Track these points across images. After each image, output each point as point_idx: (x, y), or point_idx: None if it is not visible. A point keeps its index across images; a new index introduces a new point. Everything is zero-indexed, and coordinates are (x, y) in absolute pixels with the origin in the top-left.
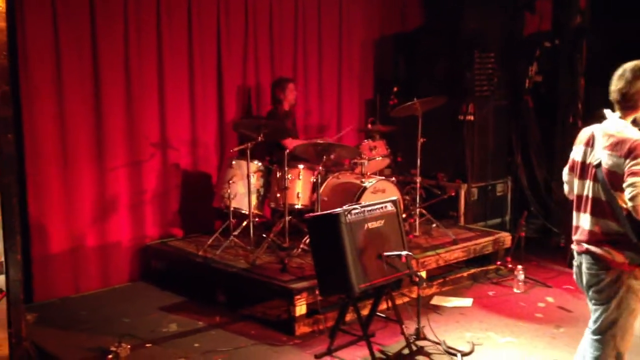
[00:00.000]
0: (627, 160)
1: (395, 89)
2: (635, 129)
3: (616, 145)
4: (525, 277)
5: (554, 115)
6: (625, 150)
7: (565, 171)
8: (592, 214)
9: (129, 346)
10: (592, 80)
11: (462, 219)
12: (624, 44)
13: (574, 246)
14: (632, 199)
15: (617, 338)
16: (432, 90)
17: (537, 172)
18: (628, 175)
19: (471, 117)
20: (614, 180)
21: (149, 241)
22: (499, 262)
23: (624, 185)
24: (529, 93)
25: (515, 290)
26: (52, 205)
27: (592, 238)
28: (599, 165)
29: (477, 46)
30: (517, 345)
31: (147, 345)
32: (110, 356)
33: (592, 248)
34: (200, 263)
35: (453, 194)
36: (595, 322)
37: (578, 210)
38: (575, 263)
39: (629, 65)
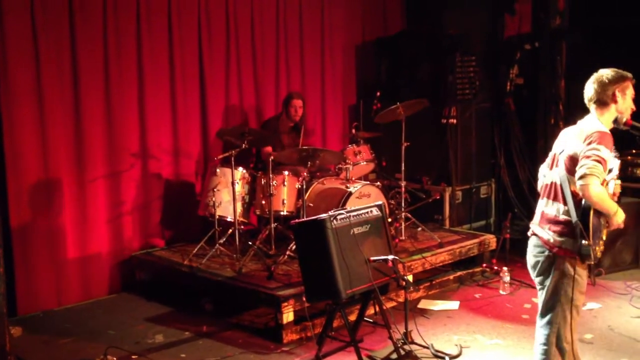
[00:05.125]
0: (584, 145)
1: (378, 93)
2: (600, 122)
3: (580, 133)
4: (511, 278)
5: (536, 116)
6: (584, 137)
7: (542, 166)
8: (547, 196)
9: (114, 358)
10: (572, 81)
11: (447, 222)
12: (603, 43)
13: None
14: (580, 177)
15: (556, 325)
16: (415, 94)
17: (520, 174)
18: (582, 158)
19: (454, 121)
20: (572, 164)
21: (133, 252)
22: (484, 265)
23: (577, 167)
24: (511, 95)
25: (501, 292)
26: (34, 218)
27: (542, 220)
28: (562, 152)
29: (458, 49)
30: (504, 347)
31: (133, 357)
32: None
33: (537, 230)
34: (186, 272)
35: (438, 197)
36: (539, 305)
37: (540, 196)
38: (528, 244)
39: (603, 71)
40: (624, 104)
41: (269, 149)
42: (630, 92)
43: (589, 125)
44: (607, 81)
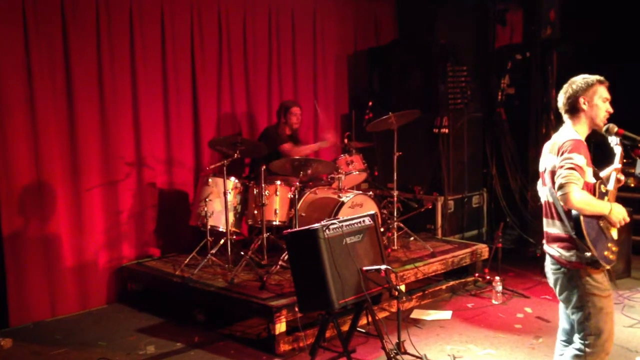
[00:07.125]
0: (558, 157)
1: (370, 103)
2: (573, 131)
3: (553, 147)
4: (504, 288)
5: (527, 126)
6: (557, 150)
7: (538, 184)
8: (546, 216)
9: None
10: None
11: (439, 231)
12: (593, 52)
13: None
14: (559, 188)
15: (592, 338)
16: (407, 103)
17: (512, 183)
18: (558, 169)
19: (446, 130)
20: (554, 179)
21: (126, 262)
22: (477, 274)
23: (555, 178)
24: (502, 105)
25: (493, 301)
26: (26, 228)
27: (548, 239)
28: (544, 170)
29: (449, 59)
30: (496, 357)
31: None
32: None
33: (548, 249)
34: (177, 283)
35: (430, 206)
36: (573, 323)
37: (543, 216)
38: (545, 263)
39: (573, 79)
40: (592, 111)
41: (286, 146)
42: (600, 97)
43: (561, 136)
44: (573, 90)
